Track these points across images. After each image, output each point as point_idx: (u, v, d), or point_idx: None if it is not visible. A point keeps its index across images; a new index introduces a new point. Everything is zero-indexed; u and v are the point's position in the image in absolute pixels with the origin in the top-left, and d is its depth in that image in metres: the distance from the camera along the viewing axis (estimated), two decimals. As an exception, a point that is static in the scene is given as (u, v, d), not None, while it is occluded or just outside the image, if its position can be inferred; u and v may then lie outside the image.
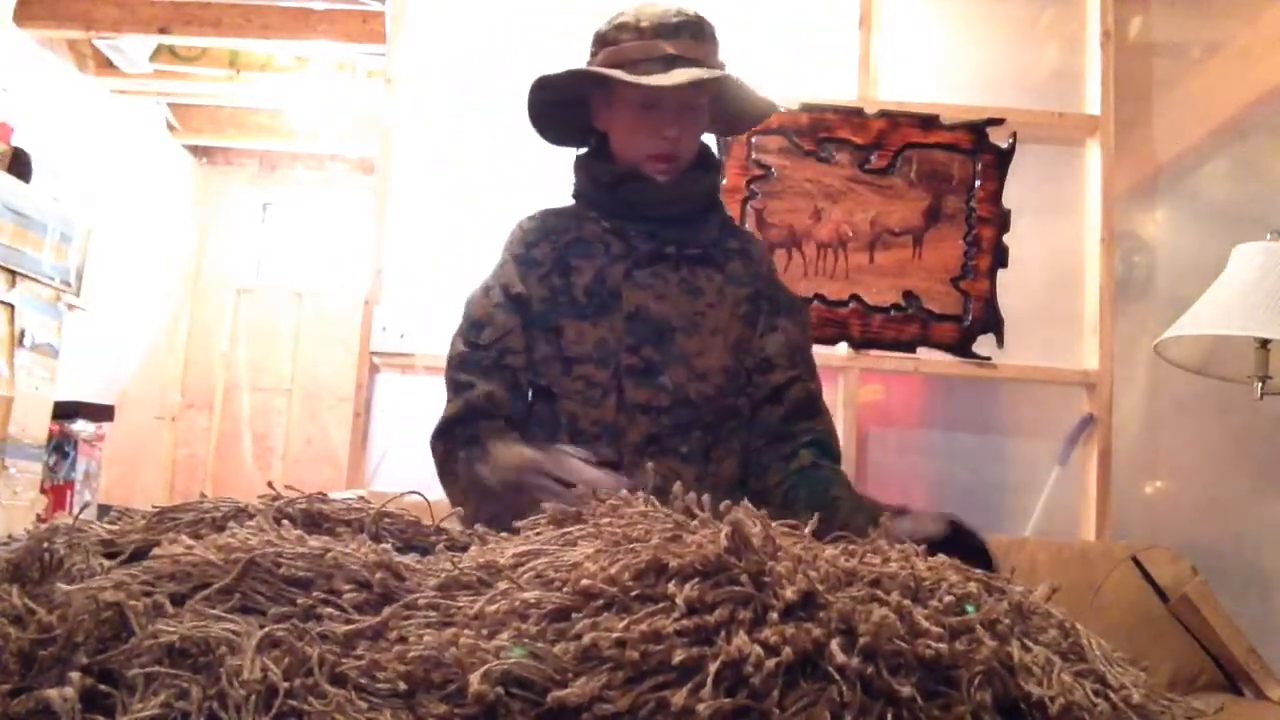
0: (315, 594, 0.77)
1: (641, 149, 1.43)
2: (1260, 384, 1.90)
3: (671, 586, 0.71)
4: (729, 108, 1.50)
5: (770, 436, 1.43)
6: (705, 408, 1.40)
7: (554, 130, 1.54)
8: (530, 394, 1.44)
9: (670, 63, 1.36)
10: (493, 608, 0.73)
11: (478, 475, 1.29)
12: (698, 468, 1.37)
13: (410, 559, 0.87)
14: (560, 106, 1.48)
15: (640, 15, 1.41)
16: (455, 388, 1.42)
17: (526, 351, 1.43)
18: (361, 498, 1.13)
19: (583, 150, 1.54)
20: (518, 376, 1.42)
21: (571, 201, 1.55)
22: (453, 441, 1.38)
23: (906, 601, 0.69)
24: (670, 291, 1.43)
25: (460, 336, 1.46)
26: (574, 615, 0.71)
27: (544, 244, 1.48)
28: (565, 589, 0.73)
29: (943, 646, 0.65)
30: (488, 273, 1.52)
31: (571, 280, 1.44)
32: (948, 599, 0.70)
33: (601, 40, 1.44)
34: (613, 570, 0.73)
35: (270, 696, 0.66)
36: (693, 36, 1.40)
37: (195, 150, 5.62)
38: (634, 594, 0.71)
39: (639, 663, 0.66)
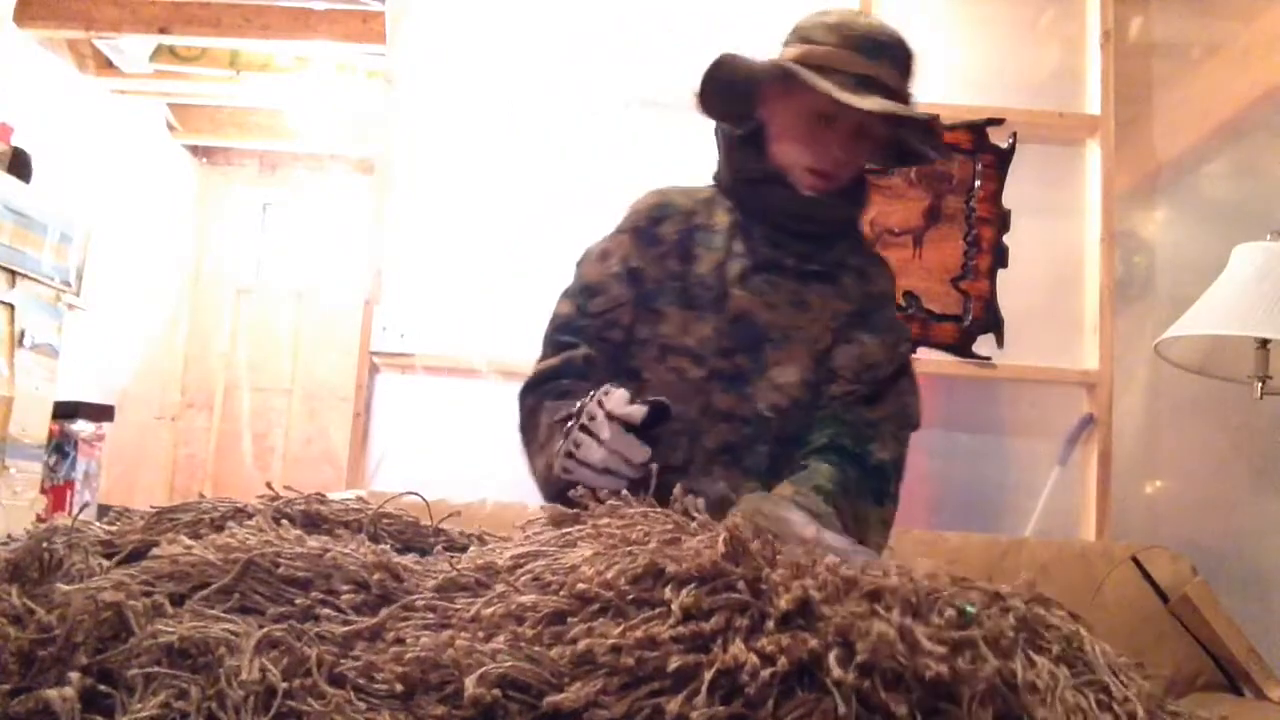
0: (314, 594, 0.77)
1: (802, 158, 1.37)
2: (1260, 384, 1.90)
3: (668, 592, 0.70)
4: (899, 146, 1.44)
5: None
6: (776, 421, 1.35)
7: (715, 103, 1.45)
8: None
9: (865, 83, 1.29)
10: (489, 610, 0.73)
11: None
12: (760, 482, 1.31)
13: (409, 560, 0.87)
14: (728, 82, 1.41)
15: (848, 24, 1.34)
16: (555, 346, 1.38)
17: (629, 329, 1.38)
18: (361, 498, 1.13)
19: (736, 132, 1.46)
20: (616, 351, 1.38)
21: (707, 183, 1.48)
22: (543, 396, 1.33)
23: (906, 620, 0.68)
24: (778, 302, 1.38)
25: (570, 298, 1.42)
26: (570, 620, 0.71)
27: (668, 223, 1.42)
28: (562, 593, 0.73)
29: (943, 667, 0.65)
30: (606, 235, 1.46)
31: (688, 267, 1.39)
32: (949, 614, 0.69)
33: (801, 36, 1.36)
34: (609, 575, 0.73)
35: (269, 697, 0.66)
36: (893, 63, 1.33)
37: (195, 150, 5.62)
38: (630, 599, 0.71)
39: (634, 669, 0.66)
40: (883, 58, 1.32)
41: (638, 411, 1.12)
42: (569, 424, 1.16)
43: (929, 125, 1.39)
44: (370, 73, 4.39)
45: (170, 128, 5.27)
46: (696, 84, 1.42)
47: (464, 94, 2.48)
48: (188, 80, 4.59)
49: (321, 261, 5.61)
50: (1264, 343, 1.89)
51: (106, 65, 4.45)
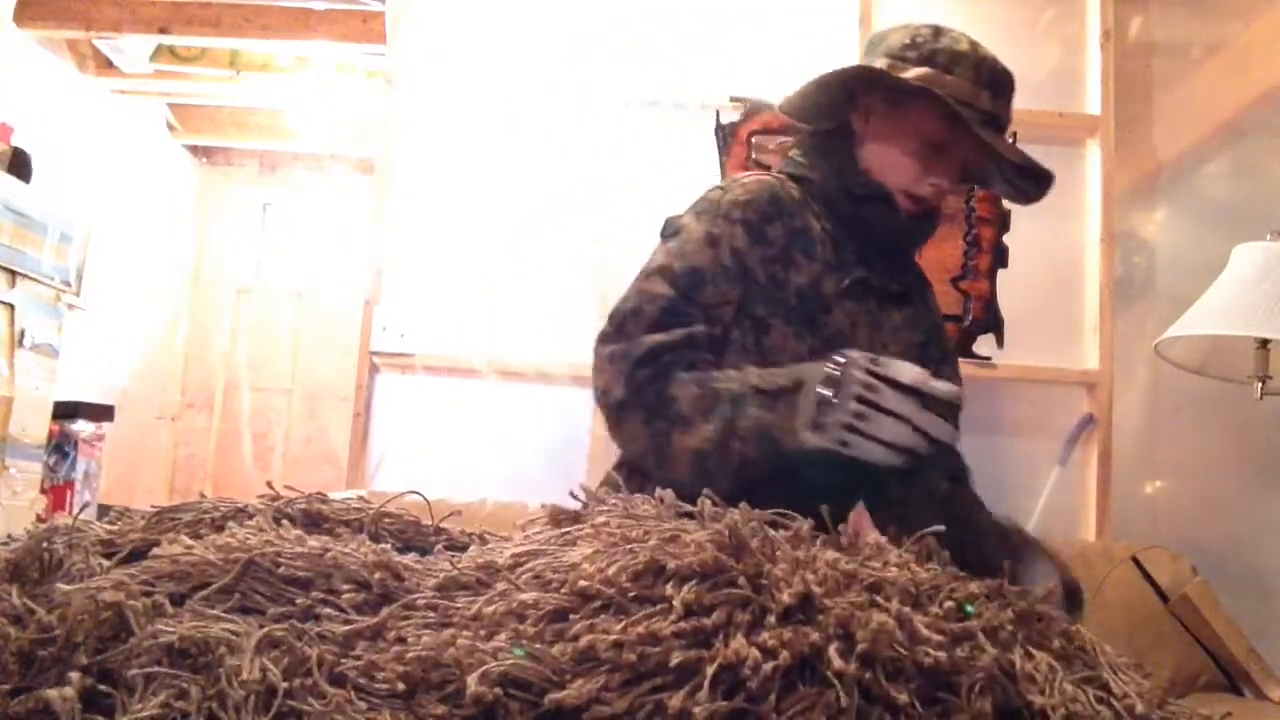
0: (314, 594, 0.77)
1: (904, 179, 1.32)
2: (1260, 384, 1.90)
3: (669, 588, 0.70)
4: (979, 173, 1.43)
5: None
6: None
7: (808, 105, 1.40)
8: None
9: (991, 121, 1.28)
10: (490, 609, 0.73)
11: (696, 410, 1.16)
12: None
13: (410, 559, 0.87)
14: (824, 88, 1.36)
15: (977, 56, 1.30)
16: (658, 325, 1.23)
17: (727, 330, 1.27)
18: (362, 498, 1.13)
19: (820, 134, 1.41)
20: (711, 349, 1.27)
21: (783, 179, 1.38)
22: (666, 368, 1.20)
23: (906, 609, 0.69)
24: (861, 321, 1.33)
25: (667, 280, 1.26)
26: (571, 617, 0.71)
27: (777, 224, 1.31)
28: (563, 590, 0.73)
29: (942, 655, 0.65)
30: (703, 210, 1.33)
31: (790, 276, 1.29)
32: (948, 605, 0.70)
33: (924, 57, 1.30)
34: (610, 571, 0.73)
35: (269, 697, 0.66)
36: (1009, 101, 1.33)
37: (195, 150, 5.62)
38: (631, 595, 0.71)
39: (636, 665, 0.66)
40: (1003, 95, 1.31)
41: (947, 389, 1.05)
42: (825, 394, 1.07)
43: (1044, 175, 1.38)
44: (370, 73, 4.39)
45: (170, 128, 5.27)
46: (799, 86, 1.36)
47: (464, 94, 2.48)
48: (188, 80, 4.59)
49: (321, 261, 5.61)
50: (1264, 343, 1.89)
51: (106, 65, 4.44)
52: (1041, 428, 2.43)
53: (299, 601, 0.77)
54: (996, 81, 1.30)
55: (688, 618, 0.68)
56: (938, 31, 1.32)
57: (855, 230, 1.35)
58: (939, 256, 2.42)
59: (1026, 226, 2.43)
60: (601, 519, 0.85)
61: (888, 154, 1.33)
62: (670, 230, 1.34)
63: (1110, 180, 2.42)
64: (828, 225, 1.34)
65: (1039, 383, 2.43)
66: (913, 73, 1.28)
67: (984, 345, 2.39)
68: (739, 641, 0.66)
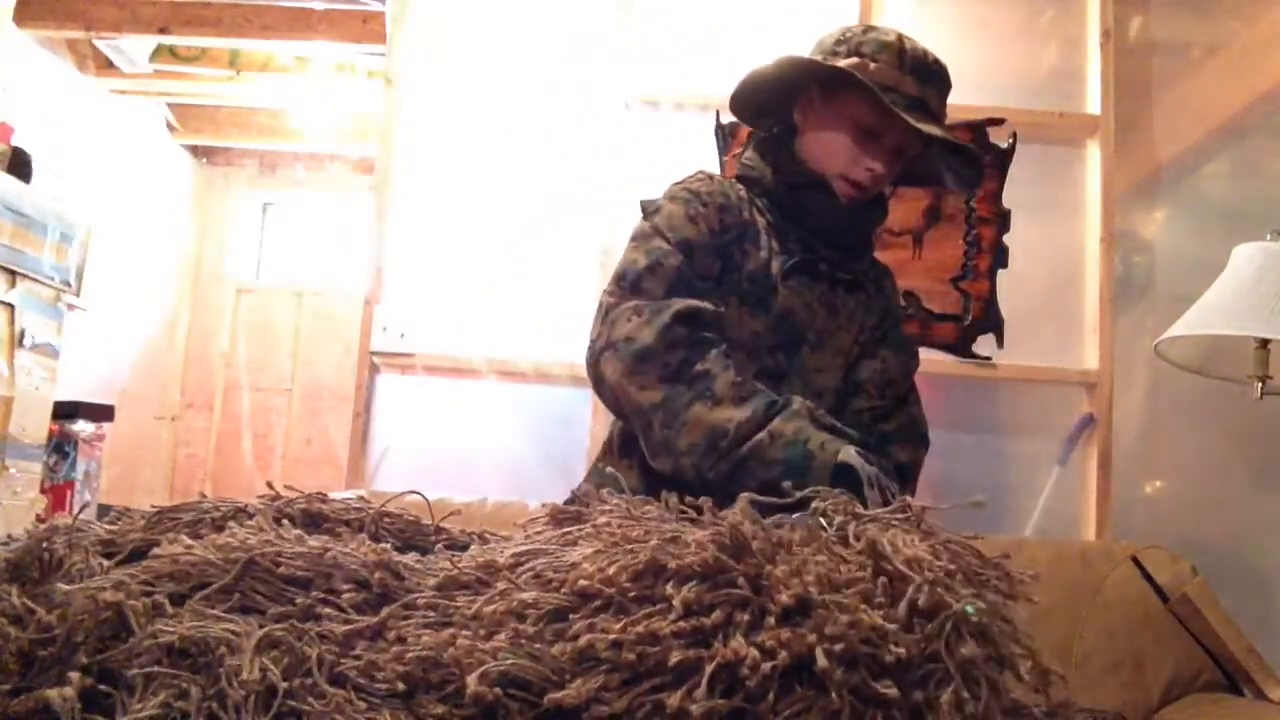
0: (314, 594, 0.77)
1: (840, 167, 1.38)
2: (1260, 384, 1.89)
3: (669, 588, 0.71)
4: (926, 168, 1.47)
5: None
6: None
7: (749, 102, 1.48)
8: None
9: (917, 105, 1.33)
10: (490, 608, 0.73)
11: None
12: None
13: (410, 558, 0.87)
14: (764, 87, 1.44)
15: (901, 46, 1.37)
16: (680, 289, 1.29)
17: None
18: (362, 497, 1.13)
19: (764, 135, 1.49)
20: None
21: (733, 180, 1.47)
22: (702, 338, 1.26)
23: (867, 612, 0.68)
24: (813, 303, 1.40)
25: (676, 245, 1.33)
26: (571, 617, 0.71)
27: (730, 213, 1.39)
28: (563, 590, 0.74)
29: (901, 651, 0.65)
30: (675, 195, 1.40)
31: (743, 261, 1.38)
32: (923, 599, 0.69)
33: (852, 48, 1.38)
34: (610, 571, 0.73)
35: (269, 696, 0.66)
36: (939, 90, 1.38)
37: (195, 150, 5.62)
38: (631, 595, 0.71)
39: (635, 664, 0.66)
40: (931, 84, 1.37)
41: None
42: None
43: (975, 156, 1.42)
44: (370, 73, 4.39)
45: (170, 128, 5.27)
46: (739, 80, 1.43)
47: (464, 94, 2.48)
48: (188, 80, 4.59)
49: (321, 261, 5.61)
50: (1264, 343, 1.89)
51: (106, 65, 4.45)
52: (1041, 428, 2.43)
53: (299, 601, 0.77)
54: (922, 69, 1.36)
55: (687, 617, 0.68)
56: (868, 28, 1.41)
57: (798, 220, 1.41)
58: (939, 256, 2.42)
59: (1026, 226, 2.43)
60: (603, 519, 0.85)
61: (823, 143, 1.40)
62: (652, 209, 1.41)
63: (1110, 180, 2.42)
64: (773, 219, 1.42)
65: (1039, 383, 2.43)
66: (840, 64, 1.36)
67: (984, 345, 2.39)
68: (738, 641, 0.66)
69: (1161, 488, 2.59)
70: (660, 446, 1.21)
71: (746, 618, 0.68)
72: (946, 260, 2.42)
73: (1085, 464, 2.36)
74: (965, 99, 2.47)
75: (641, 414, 1.25)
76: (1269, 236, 1.90)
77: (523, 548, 0.84)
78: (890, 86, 1.33)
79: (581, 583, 0.73)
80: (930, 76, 1.37)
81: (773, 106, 1.47)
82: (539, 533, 0.89)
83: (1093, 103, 2.46)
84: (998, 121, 2.45)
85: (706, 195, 1.39)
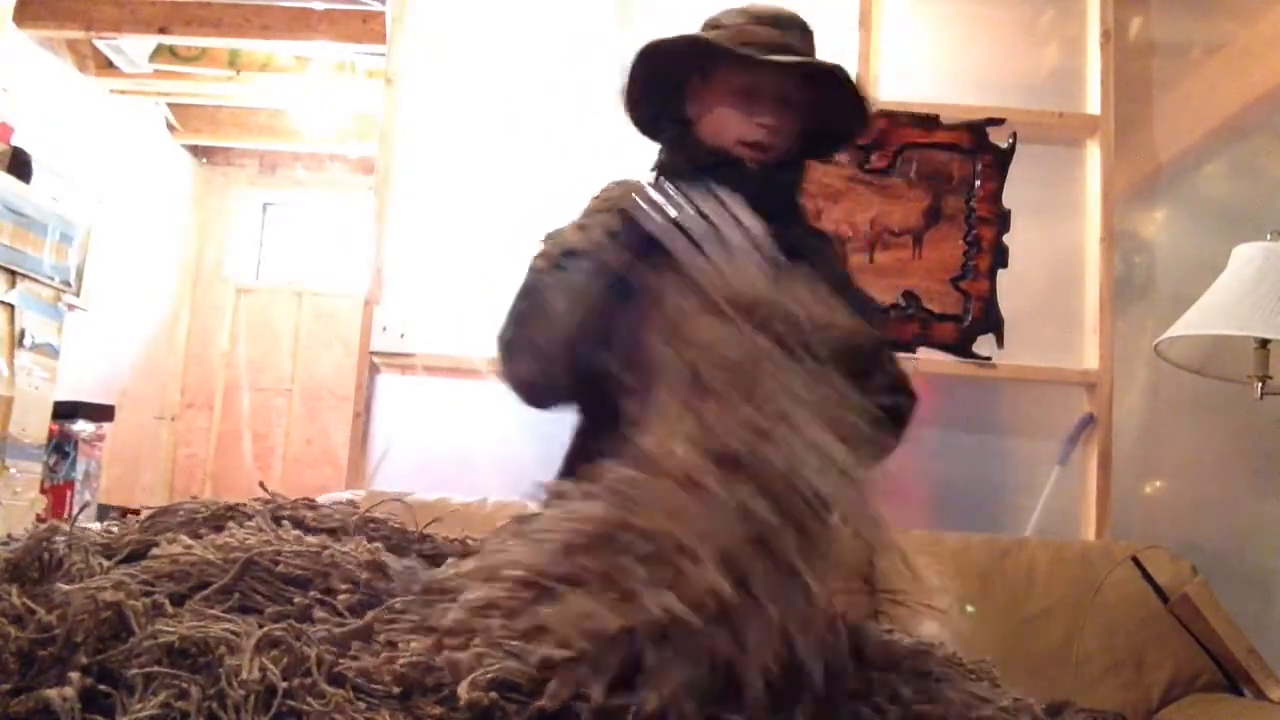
0: (312, 593, 0.78)
1: (734, 133, 1.41)
2: (1260, 384, 1.90)
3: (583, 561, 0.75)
4: (824, 119, 1.47)
5: None
6: None
7: (641, 112, 1.51)
8: None
9: (776, 50, 1.37)
10: (459, 615, 0.75)
11: None
12: None
13: (398, 561, 0.88)
14: (651, 91, 1.47)
15: (753, 6, 1.42)
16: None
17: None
18: (351, 501, 1.13)
19: (668, 136, 1.51)
20: None
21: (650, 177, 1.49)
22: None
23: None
24: None
25: (550, 262, 1.40)
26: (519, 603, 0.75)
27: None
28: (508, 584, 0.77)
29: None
30: (575, 216, 1.48)
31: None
32: None
33: (710, 24, 1.44)
34: (539, 561, 0.77)
35: (269, 696, 0.66)
36: (800, 34, 1.41)
37: (195, 150, 5.61)
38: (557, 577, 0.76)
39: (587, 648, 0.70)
40: (790, 28, 1.40)
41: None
42: None
43: (844, 83, 1.41)
44: (370, 73, 4.39)
45: (170, 128, 5.27)
46: (621, 89, 1.47)
47: (464, 94, 2.48)
48: (188, 80, 4.59)
49: (321, 261, 5.61)
50: (1264, 343, 1.89)
51: (106, 65, 4.44)
52: (1041, 428, 2.43)
53: (296, 601, 0.77)
54: (773, 18, 1.40)
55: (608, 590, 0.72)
56: (730, 7, 1.44)
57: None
58: (939, 256, 2.42)
59: (1026, 226, 2.43)
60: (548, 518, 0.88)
61: (714, 119, 1.42)
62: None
63: (1110, 180, 2.42)
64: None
65: (1039, 383, 2.43)
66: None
67: (984, 345, 2.39)
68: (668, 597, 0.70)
69: (1161, 488, 2.59)
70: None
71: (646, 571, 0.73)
72: (946, 260, 2.41)
73: (1085, 464, 2.36)
74: (965, 99, 2.49)
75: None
76: (1269, 236, 1.90)
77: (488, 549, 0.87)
78: (748, 40, 1.37)
79: (519, 574, 0.77)
80: (785, 23, 1.40)
81: (664, 110, 1.50)
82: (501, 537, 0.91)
83: (1093, 103, 2.46)
84: (998, 121, 2.45)
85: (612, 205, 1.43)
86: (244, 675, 0.66)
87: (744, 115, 1.40)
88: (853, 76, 1.42)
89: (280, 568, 0.79)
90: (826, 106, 1.43)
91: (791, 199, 1.50)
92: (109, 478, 4.29)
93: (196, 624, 0.70)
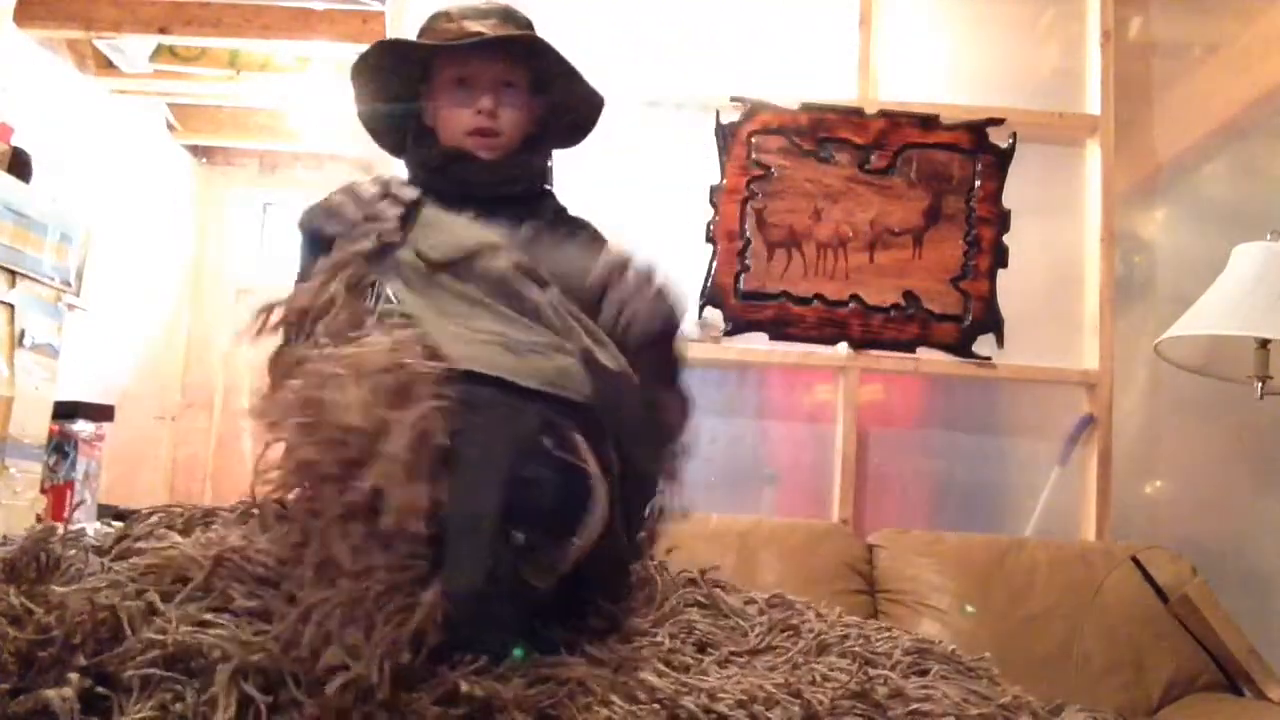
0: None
1: (459, 125, 1.42)
2: (1260, 384, 1.89)
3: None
4: (560, 105, 1.51)
5: None
6: None
7: (391, 138, 1.54)
8: None
9: (473, 37, 1.40)
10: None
11: None
12: None
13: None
14: (398, 116, 1.50)
15: (455, 6, 1.46)
16: None
17: None
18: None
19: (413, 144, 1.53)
20: None
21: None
22: None
23: None
24: None
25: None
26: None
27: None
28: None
29: None
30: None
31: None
32: None
33: (420, 32, 1.49)
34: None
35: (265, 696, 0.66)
36: (500, 19, 1.44)
37: (195, 150, 5.61)
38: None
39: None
40: (490, 18, 1.43)
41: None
42: None
43: (544, 53, 1.45)
44: (370, 73, 4.38)
45: (170, 128, 5.27)
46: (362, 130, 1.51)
47: (464, 94, 2.47)
48: (188, 80, 4.59)
49: (321, 261, 5.60)
50: (1264, 343, 1.89)
51: (106, 65, 4.44)
52: (1041, 428, 2.43)
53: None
54: (474, 10, 1.44)
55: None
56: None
57: (456, 197, 1.38)
58: (939, 256, 2.42)
59: (1026, 226, 2.43)
60: None
61: (442, 118, 1.44)
62: None
63: (1110, 180, 2.42)
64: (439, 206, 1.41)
65: (1039, 383, 2.43)
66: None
67: (984, 345, 2.39)
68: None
69: (1161, 488, 2.59)
70: None
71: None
72: (946, 260, 2.42)
73: (1085, 464, 2.36)
74: (965, 99, 2.49)
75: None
76: (1269, 236, 1.90)
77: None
78: (450, 35, 1.41)
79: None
80: (484, 13, 1.44)
81: (403, 122, 1.51)
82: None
83: (1093, 103, 2.46)
84: (998, 121, 2.45)
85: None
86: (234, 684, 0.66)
87: (463, 106, 1.42)
88: (556, 47, 1.46)
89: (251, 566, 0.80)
90: (565, 91, 1.48)
91: (535, 185, 1.50)
92: (109, 478, 4.29)
93: (189, 629, 0.71)
